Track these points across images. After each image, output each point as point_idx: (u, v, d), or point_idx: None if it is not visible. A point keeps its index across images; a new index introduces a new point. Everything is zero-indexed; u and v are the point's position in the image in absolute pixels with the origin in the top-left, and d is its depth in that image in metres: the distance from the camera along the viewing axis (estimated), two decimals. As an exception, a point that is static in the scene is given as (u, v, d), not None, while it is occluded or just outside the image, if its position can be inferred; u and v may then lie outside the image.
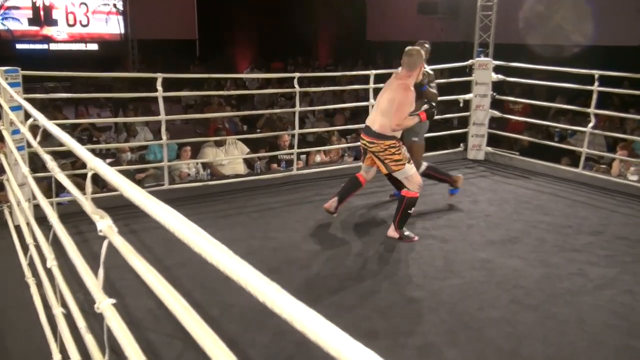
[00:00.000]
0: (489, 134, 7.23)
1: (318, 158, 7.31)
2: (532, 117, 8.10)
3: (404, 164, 4.46)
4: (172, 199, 4.79)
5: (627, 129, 7.99)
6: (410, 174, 4.49)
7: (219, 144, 6.88)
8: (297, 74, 6.03)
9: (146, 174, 6.65)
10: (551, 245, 4.51)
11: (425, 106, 4.81)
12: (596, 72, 5.94)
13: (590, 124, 6.20)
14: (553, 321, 3.34)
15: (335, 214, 4.79)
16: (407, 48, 4.53)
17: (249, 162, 7.23)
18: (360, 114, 9.01)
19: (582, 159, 6.29)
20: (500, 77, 6.90)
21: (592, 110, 6.09)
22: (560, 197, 5.78)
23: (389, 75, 4.61)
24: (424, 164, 5.30)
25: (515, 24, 14.57)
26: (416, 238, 4.55)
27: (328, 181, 6.21)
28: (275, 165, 7.13)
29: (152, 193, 1.40)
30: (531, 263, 4.16)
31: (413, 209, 4.52)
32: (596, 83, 5.95)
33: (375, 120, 4.49)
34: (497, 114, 7.08)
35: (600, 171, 6.82)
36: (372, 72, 6.37)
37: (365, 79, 6.53)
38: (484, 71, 6.89)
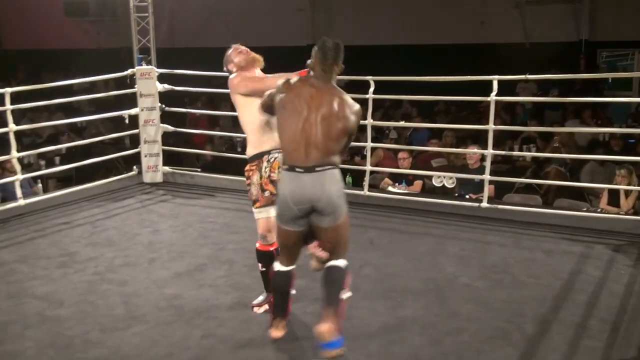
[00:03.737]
0: (167, 151, 7.38)
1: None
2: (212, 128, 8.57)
3: (252, 202, 3.98)
4: None
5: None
6: (257, 218, 3.96)
7: None
8: None
9: None
10: (241, 265, 4.83)
11: None
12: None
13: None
14: (249, 349, 3.58)
15: None
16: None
17: None
18: (3, 143, 8.31)
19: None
20: (167, 86, 7.12)
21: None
22: (246, 212, 6.13)
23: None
24: None
25: (181, 26, 15.22)
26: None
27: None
28: None
29: None
30: (222, 289, 4.39)
31: (261, 265, 4.02)
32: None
33: None
34: (169, 128, 7.27)
35: (284, 178, 7.53)
36: (8, 90, 5.93)
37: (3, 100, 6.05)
38: (148, 80, 7.01)
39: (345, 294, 3.49)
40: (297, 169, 3.32)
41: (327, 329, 3.34)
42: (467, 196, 6.59)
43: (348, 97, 3.43)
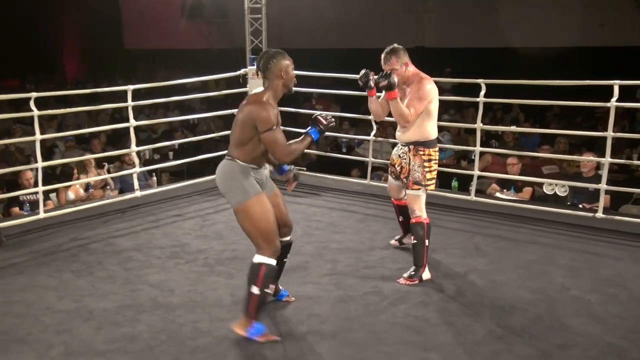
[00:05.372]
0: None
1: (71, 195, 6.95)
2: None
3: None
4: None
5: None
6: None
7: None
8: (33, 94, 5.70)
9: None
10: (344, 265, 4.86)
11: None
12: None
13: (373, 132, 6.84)
14: (351, 348, 3.60)
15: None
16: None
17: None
18: (122, 137, 8.80)
19: (369, 169, 6.91)
20: (278, 86, 7.26)
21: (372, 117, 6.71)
22: (351, 212, 6.26)
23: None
24: None
25: (291, 27, 15.53)
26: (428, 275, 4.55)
27: (88, 222, 5.95)
28: (16, 209, 6.67)
29: None
30: (325, 287, 4.43)
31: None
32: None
33: None
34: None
35: (388, 180, 7.53)
36: (130, 87, 6.27)
37: (124, 96, 6.40)
38: (259, 80, 7.15)
39: (255, 289, 3.60)
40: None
41: (235, 324, 3.71)
42: (581, 205, 6.32)
43: (256, 98, 3.71)
